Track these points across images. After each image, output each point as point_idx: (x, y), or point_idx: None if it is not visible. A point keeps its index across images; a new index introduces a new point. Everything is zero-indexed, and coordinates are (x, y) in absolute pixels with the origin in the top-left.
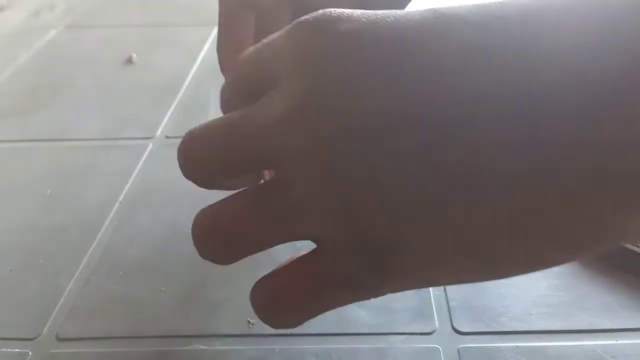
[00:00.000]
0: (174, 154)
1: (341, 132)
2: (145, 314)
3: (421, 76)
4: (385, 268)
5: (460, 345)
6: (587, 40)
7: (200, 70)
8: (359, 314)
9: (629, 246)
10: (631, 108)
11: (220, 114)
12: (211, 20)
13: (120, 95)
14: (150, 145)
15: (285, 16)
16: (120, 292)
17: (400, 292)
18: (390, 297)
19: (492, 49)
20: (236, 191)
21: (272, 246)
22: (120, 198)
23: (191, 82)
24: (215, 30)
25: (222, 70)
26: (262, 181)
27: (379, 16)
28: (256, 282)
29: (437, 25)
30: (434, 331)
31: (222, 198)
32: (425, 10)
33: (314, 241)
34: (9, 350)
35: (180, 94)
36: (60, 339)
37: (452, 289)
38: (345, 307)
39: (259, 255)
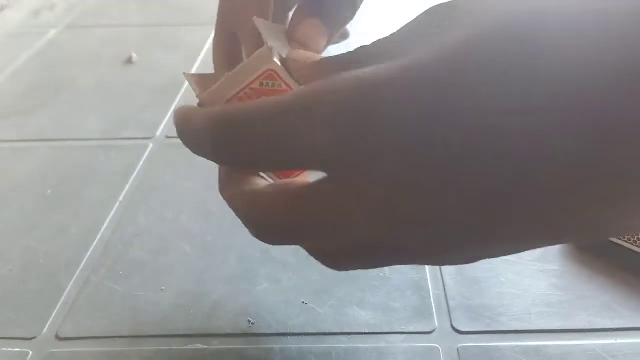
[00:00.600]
0: (174, 154)
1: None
2: (145, 314)
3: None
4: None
5: (460, 345)
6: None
7: (200, 70)
8: (359, 313)
9: (629, 246)
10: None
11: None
12: (211, 20)
13: (120, 95)
14: (150, 145)
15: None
16: (120, 292)
17: (400, 292)
18: (390, 296)
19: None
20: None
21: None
22: (120, 198)
23: None
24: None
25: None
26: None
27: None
28: None
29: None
30: (433, 330)
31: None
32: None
33: None
34: (9, 349)
35: (180, 94)
36: (60, 339)
37: (451, 289)
38: (345, 307)
39: (258, 255)
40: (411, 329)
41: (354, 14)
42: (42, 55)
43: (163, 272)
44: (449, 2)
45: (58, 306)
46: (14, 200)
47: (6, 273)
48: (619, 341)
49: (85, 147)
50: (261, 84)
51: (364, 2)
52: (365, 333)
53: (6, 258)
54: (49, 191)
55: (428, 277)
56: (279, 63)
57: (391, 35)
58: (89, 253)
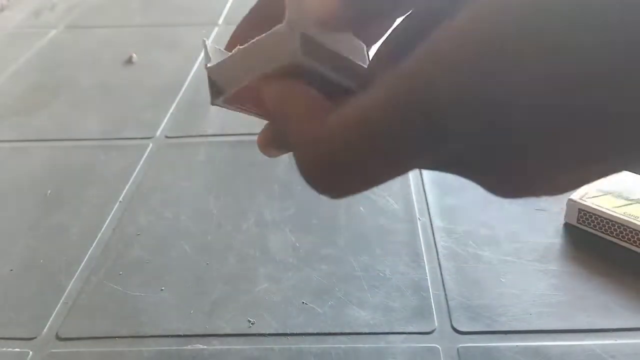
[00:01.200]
0: (174, 154)
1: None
2: (145, 314)
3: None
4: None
5: (460, 345)
6: None
7: (201, 70)
8: (359, 313)
9: (629, 246)
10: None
11: (222, 115)
12: (211, 20)
13: (120, 95)
14: (150, 145)
15: None
16: (120, 292)
17: (400, 292)
18: (390, 296)
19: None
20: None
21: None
22: (120, 198)
23: (191, 82)
24: (216, 30)
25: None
26: None
27: None
28: None
29: None
30: (433, 331)
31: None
32: None
33: None
34: (9, 349)
35: (180, 94)
36: (60, 339)
37: (451, 289)
38: (345, 306)
39: (257, 254)
40: (411, 329)
41: None
42: (42, 55)
43: (163, 272)
44: None
45: (58, 306)
46: (14, 200)
47: (6, 273)
48: (618, 341)
49: (85, 147)
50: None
51: None
52: (365, 333)
53: (6, 258)
54: (49, 191)
55: (428, 277)
56: (304, 56)
57: None
58: (89, 253)
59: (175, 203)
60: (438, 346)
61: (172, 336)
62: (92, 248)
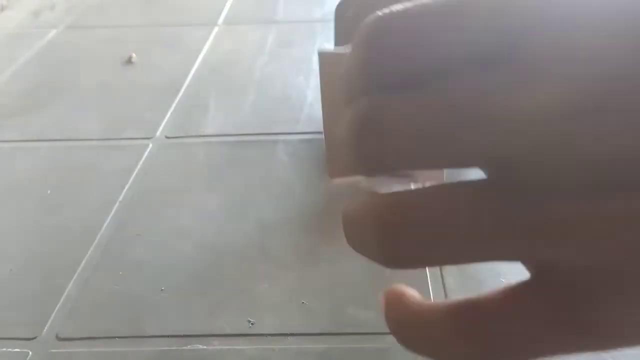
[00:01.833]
0: (174, 154)
1: None
2: (145, 314)
3: None
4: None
5: None
6: None
7: (200, 70)
8: (359, 313)
9: None
10: None
11: (222, 115)
12: (211, 20)
13: (120, 95)
14: (150, 145)
15: None
16: (120, 292)
17: None
18: None
19: None
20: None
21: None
22: (120, 198)
23: (191, 82)
24: (215, 30)
25: None
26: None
27: None
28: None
29: None
30: None
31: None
32: None
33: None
34: (9, 350)
35: (180, 94)
36: (60, 339)
37: (451, 289)
38: (345, 307)
39: (258, 255)
40: None
41: None
42: (42, 55)
43: (163, 272)
44: None
45: (58, 306)
46: (14, 200)
47: (6, 273)
48: None
49: (85, 147)
50: None
51: None
52: (365, 333)
53: (6, 258)
54: (49, 191)
55: (428, 277)
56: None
57: None
58: (89, 253)
59: (175, 203)
60: None
61: (172, 336)
62: (92, 248)
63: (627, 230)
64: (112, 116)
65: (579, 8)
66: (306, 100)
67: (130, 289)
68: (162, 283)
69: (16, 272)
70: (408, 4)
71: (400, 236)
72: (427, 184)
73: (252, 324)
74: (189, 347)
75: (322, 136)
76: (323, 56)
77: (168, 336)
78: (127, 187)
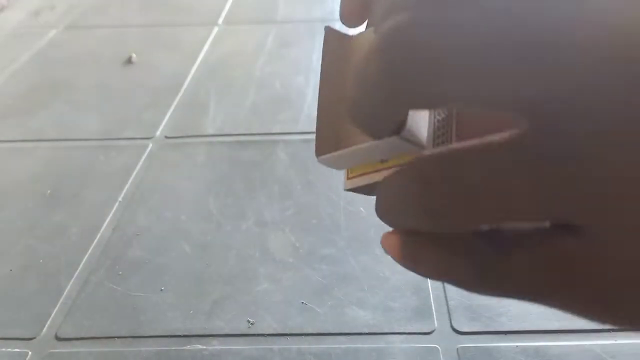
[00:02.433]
0: (173, 154)
1: None
2: (145, 314)
3: None
4: None
5: (460, 345)
6: None
7: (200, 70)
8: (359, 313)
9: None
10: None
11: (222, 115)
12: (211, 20)
13: (120, 95)
14: (150, 145)
15: None
16: (120, 292)
17: (399, 292)
18: (389, 296)
19: None
20: None
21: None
22: (120, 198)
23: (191, 82)
24: (215, 30)
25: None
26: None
27: None
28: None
29: None
30: (433, 331)
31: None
32: None
33: None
34: (9, 350)
35: (180, 94)
36: (59, 339)
37: (451, 289)
38: (344, 307)
39: (258, 255)
40: (411, 329)
41: None
42: (42, 55)
43: (163, 272)
44: None
45: (58, 306)
46: (14, 200)
47: (6, 273)
48: (618, 341)
49: (85, 147)
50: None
51: None
52: (364, 333)
53: (6, 258)
54: (49, 191)
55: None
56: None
57: None
58: (89, 253)
59: (175, 203)
60: (438, 346)
61: (171, 336)
62: (92, 248)
63: None
64: (112, 116)
65: None
66: (306, 100)
67: (130, 289)
68: (162, 283)
69: (16, 272)
70: None
71: (440, 190)
72: (467, 142)
73: (251, 324)
74: (188, 347)
75: None
76: (329, 33)
77: (167, 336)
78: (126, 187)
